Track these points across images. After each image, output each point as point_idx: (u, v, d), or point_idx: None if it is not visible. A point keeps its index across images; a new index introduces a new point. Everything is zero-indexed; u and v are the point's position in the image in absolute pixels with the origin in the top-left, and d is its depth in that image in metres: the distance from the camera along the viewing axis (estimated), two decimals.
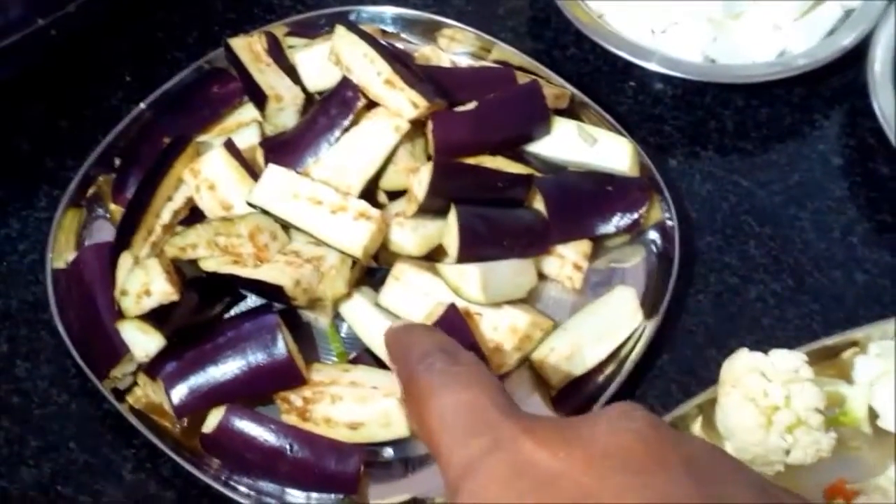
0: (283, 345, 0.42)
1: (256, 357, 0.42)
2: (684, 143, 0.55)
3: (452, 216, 0.45)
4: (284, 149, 0.48)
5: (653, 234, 0.49)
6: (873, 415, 0.41)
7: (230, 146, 0.48)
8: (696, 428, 0.40)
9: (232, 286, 0.45)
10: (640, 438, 0.24)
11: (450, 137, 0.48)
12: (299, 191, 0.45)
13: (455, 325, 0.43)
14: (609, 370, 0.45)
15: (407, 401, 0.28)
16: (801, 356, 0.40)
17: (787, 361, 0.40)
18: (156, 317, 0.43)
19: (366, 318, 0.45)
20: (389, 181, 0.48)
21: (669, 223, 0.49)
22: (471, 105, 0.49)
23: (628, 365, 0.44)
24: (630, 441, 0.24)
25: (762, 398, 0.39)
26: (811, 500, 0.33)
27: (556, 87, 0.53)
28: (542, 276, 0.48)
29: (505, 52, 0.55)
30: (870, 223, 0.51)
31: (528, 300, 0.47)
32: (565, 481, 0.23)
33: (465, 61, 0.55)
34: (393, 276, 0.45)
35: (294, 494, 0.41)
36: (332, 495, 0.42)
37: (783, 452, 0.39)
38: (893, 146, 0.49)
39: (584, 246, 0.48)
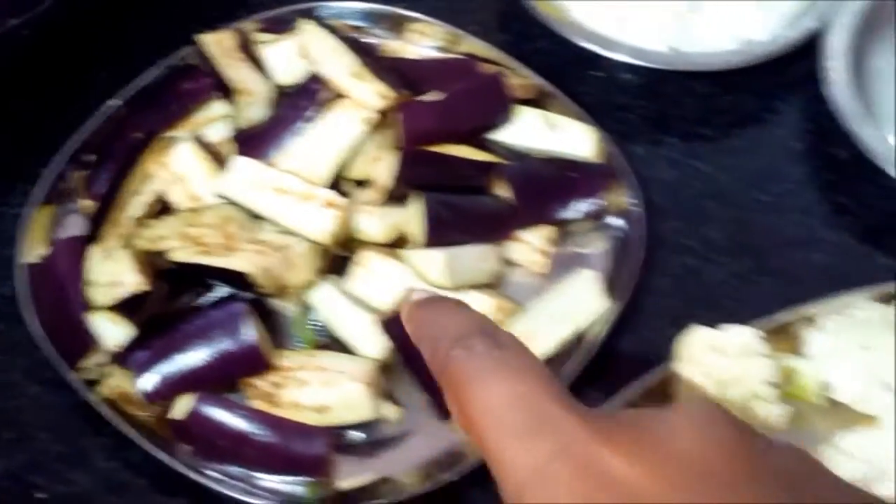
0: (250, 332, 0.43)
1: (224, 344, 0.43)
2: (649, 130, 0.56)
3: (419, 203, 0.46)
4: (254, 142, 0.49)
5: (617, 220, 0.50)
6: (827, 388, 0.42)
7: (199, 140, 0.49)
8: (641, 397, 0.41)
9: (201, 276, 0.46)
10: (729, 448, 0.22)
11: (417, 127, 0.49)
12: (267, 181, 0.46)
13: None
14: (572, 352, 0.45)
15: (445, 390, 0.25)
16: (756, 332, 0.41)
17: (742, 337, 0.41)
18: (126, 307, 0.44)
19: (333, 306, 0.45)
20: (357, 171, 0.49)
21: (634, 208, 0.50)
22: (436, 95, 0.50)
23: (591, 347, 0.45)
24: (718, 451, 0.22)
25: (717, 373, 0.40)
26: None
27: (523, 78, 0.54)
28: (509, 263, 0.49)
29: (473, 44, 0.56)
30: (828, 205, 0.52)
31: (494, 286, 0.47)
32: (648, 496, 0.21)
33: (433, 55, 0.56)
34: (358, 264, 0.46)
35: (265, 478, 0.42)
36: (303, 478, 0.42)
37: None
38: (848, 131, 0.50)
39: (549, 231, 0.49)
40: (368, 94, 0.49)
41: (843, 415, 0.41)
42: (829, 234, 0.51)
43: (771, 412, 0.40)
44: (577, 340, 0.46)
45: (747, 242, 0.51)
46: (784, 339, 0.43)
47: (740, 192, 0.53)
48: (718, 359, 0.40)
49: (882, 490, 0.37)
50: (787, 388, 0.41)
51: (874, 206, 0.51)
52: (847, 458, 0.38)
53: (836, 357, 0.42)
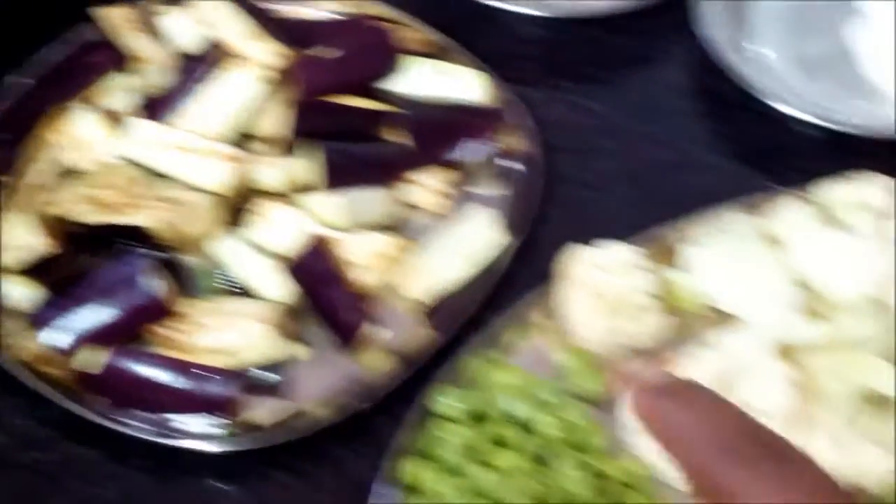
0: (155, 284, 0.44)
1: (131, 297, 0.44)
2: (547, 76, 0.58)
3: (317, 152, 0.48)
4: (155, 106, 0.51)
5: (517, 160, 0.52)
6: (706, 297, 0.44)
7: (100, 107, 0.50)
8: (534, 317, 0.44)
9: (108, 234, 0.47)
10: None
11: (316, 81, 0.51)
12: (165, 140, 0.48)
13: (322, 254, 0.46)
14: (474, 285, 0.48)
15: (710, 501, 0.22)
16: (636, 248, 0.44)
17: (622, 253, 0.43)
18: (35, 270, 0.45)
19: (237, 255, 0.47)
20: (255, 126, 0.50)
21: (532, 149, 0.52)
22: (329, 51, 0.52)
23: (492, 277, 0.47)
24: None
25: (601, 289, 0.42)
26: None
27: (419, 33, 0.56)
28: (410, 206, 0.51)
29: (371, 4, 0.57)
30: (710, 134, 0.55)
31: (397, 227, 0.49)
32: None
33: (327, 16, 0.57)
34: (257, 213, 0.47)
35: (179, 420, 0.44)
36: (220, 420, 0.44)
37: (625, 339, 0.43)
38: (721, 65, 0.53)
39: (448, 173, 0.51)
40: (265, 54, 0.51)
41: (720, 320, 0.43)
42: (711, 159, 0.54)
43: (656, 323, 0.43)
44: (479, 274, 0.48)
45: (637, 173, 0.53)
46: (664, 254, 0.45)
47: (631, 128, 0.55)
48: (601, 276, 0.43)
49: (742, 385, 0.39)
50: (668, 299, 0.44)
51: (751, 131, 0.54)
52: (714, 353, 0.41)
53: (713, 268, 0.44)
